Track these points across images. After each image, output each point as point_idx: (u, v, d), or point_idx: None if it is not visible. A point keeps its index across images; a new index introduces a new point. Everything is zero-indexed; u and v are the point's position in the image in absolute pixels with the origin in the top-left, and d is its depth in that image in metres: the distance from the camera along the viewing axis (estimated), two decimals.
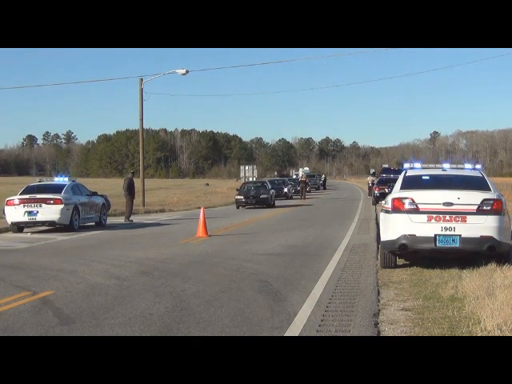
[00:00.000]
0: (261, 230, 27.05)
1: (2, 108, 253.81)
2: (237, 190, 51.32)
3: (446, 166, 16.75)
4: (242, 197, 48.73)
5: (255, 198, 48.52)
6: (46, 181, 31.72)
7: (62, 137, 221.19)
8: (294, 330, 9.31)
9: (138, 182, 52.01)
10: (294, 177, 77.79)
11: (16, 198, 27.76)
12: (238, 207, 48.28)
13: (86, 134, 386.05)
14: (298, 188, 65.27)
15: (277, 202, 51.60)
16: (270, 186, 51.60)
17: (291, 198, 63.89)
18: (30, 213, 27.15)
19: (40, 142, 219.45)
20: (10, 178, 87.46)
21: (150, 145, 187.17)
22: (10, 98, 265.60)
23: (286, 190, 63.99)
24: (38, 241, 23.92)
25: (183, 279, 14.15)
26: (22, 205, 27.30)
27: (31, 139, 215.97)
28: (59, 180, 30.84)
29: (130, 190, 35.17)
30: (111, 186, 75.57)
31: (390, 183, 39.23)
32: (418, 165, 17.03)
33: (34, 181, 31.56)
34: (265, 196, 49.11)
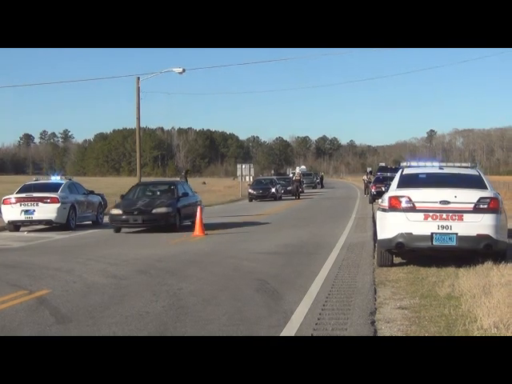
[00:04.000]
0: (258, 229, 27.05)
1: None
2: (249, 185, 60.21)
3: (436, 164, 16.80)
4: (254, 191, 56.84)
5: (265, 193, 56.67)
6: (43, 180, 31.69)
7: (59, 136, 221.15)
8: (291, 328, 9.30)
9: (134, 181, 52.15)
10: (291, 175, 77.28)
11: (13, 197, 27.74)
12: (250, 200, 56.10)
13: (82, 133, 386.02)
14: (290, 188, 63.24)
15: (265, 203, 50.62)
16: (277, 183, 59.51)
17: (280, 198, 58.50)
18: (26, 211, 27.14)
19: (37, 140, 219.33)
20: (7, 177, 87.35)
21: (146, 143, 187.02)
22: (6, 96, 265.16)
23: (273, 190, 58.31)
24: (35, 240, 23.91)
25: (180, 278, 14.14)
26: (18, 203, 27.29)
27: (28, 138, 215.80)
28: (55, 179, 30.83)
29: None
30: (108, 185, 75.59)
31: (386, 182, 39.25)
32: (414, 163, 17.06)
33: (31, 180, 31.53)
34: (273, 191, 57.19)
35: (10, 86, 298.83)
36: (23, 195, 27.77)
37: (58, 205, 27.26)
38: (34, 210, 27.15)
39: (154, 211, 25.77)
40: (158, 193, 28.80)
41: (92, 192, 31.69)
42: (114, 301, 11.70)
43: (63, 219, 27.46)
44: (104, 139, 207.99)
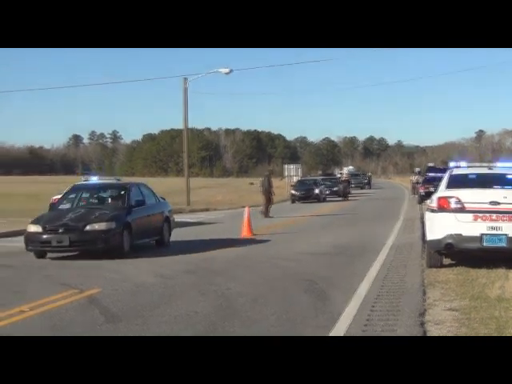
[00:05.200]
0: (305, 229, 27.03)
1: (48, 107, 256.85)
2: (291, 186, 56.90)
3: (500, 164, 16.69)
4: (297, 192, 53.69)
5: (308, 194, 53.54)
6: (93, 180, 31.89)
7: (108, 136, 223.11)
8: (339, 329, 9.27)
9: (182, 181, 52.41)
10: (338, 176, 76.65)
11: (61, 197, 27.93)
12: (292, 202, 53.19)
13: (130, 134, 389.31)
14: (336, 188, 61.41)
15: (308, 205, 49.69)
16: (321, 183, 56.75)
17: (324, 200, 55.39)
18: None
19: (86, 141, 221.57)
20: (57, 178, 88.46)
21: (194, 144, 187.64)
22: (56, 97, 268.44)
23: (316, 191, 55.01)
24: None
25: (228, 278, 14.19)
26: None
27: (77, 139, 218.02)
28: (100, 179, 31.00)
29: (267, 187, 36.44)
30: (155, 186, 76.12)
31: (435, 182, 38.90)
32: (463, 163, 16.91)
33: (80, 180, 31.83)
34: (317, 192, 53.98)
35: (58, 87, 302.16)
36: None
37: None
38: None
39: (87, 228, 17.89)
40: (107, 200, 20.87)
41: None
42: (163, 300, 11.78)
43: None
44: (152, 140, 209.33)
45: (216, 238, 23.21)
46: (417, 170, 70.47)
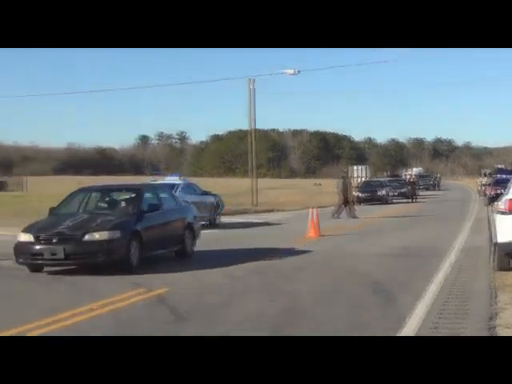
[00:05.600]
0: (371, 231, 26.90)
1: (117, 108, 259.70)
2: (356, 187, 52.58)
3: None
4: (361, 194, 51.29)
5: (373, 195, 51.58)
6: (159, 180, 32.32)
7: (176, 137, 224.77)
8: (407, 331, 9.22)
9: (249, 182, 52.60)
10: (405, 177, 75.89)
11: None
12: (357, 203, 48.99)
13: (196, 134, 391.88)
14: (404, 190, 59.88)
15: (373, 207, 48.82)
16: (387, 185, 55.00)
17: (390, 202, 53.87)
18: None
19: (154, 141, 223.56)
20: (126, 177, 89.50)
21: (261, 144, 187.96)
22: (124, 98, 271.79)
23: (382, 192, 53.13)
24: None
25: (294, 280, 14.22)
26: None
27: (145, 139, 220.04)
28: (171, 179, 31.41)
29: (343, 189, 36.40)
30: (223, 186, 76.50)
31: (504, 184, 38.33)
32: None
33: (148, 180, 32.27)
34: (382, 193, 52.25)
35: (126, 88, 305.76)
36: None
37: None
38: None
39: (86, 238, 15.18)
40: (117, 204, 17.76)
41: (208, 193, 32.14)
42: (231, 301, 11.86)
43: None
44: (219, 140, 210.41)
45: (283, 238, 23.22)
46: (485, 171, 69.42)
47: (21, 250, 15.41)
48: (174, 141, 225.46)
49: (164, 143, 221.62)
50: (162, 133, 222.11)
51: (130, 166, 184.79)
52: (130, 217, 16.42)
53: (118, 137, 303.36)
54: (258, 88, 49.70)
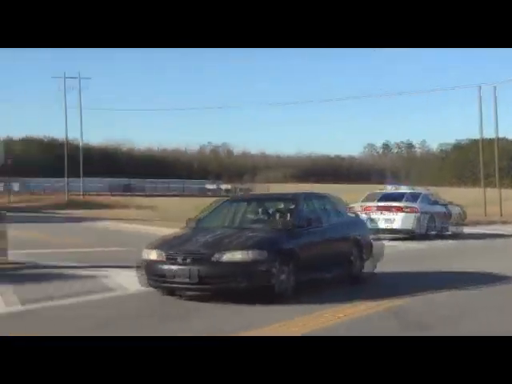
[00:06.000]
0: None
1: (347, 116, 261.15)
2: None
3: None
4: None
5: None
6: (394, 190, 32.15)
7: (417, 146, 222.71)
8: None
9: (491, 192, 51.06)
10: None
11: (358, 206, 28.49)
12: None
13: (438, 143, 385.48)
14: None
15: None
16: None
17: None
18: (386, 220, 27.84)
19: (394, 150, 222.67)
20: (353, 186, 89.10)
21: (503, 154, 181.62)
22: (351, 107, 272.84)
23: None
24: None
25: None
26: (379, 212, 28.20)
27: (371, 148, 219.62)
28: (404, 189, 31.40)
29: None
30: (458, 196, 74.86)
31: None
32: None
33: (376, 189, 32.45)
34: None
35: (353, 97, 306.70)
36: (382, 204, 28.73)
37: (418, 215, 27.82)
38: (394, 219, 27.86)
39: (224, 258, 12.42)
40: (266, 217, 14.79)
41: (449, 203, 31.81)
42: (464, 315, 11.75)
43: (423, 229, 28.01)
44: (460, 149, 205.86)
45: None
46: None
47: (148, 269, 12.99)
48: (414, 150, 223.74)
49: (398, 152, 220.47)
50: (401, 142, 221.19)
51: (365, 174, 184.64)
52: (281, 233, 13.59)
53: (349, 145, 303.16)
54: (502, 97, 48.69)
